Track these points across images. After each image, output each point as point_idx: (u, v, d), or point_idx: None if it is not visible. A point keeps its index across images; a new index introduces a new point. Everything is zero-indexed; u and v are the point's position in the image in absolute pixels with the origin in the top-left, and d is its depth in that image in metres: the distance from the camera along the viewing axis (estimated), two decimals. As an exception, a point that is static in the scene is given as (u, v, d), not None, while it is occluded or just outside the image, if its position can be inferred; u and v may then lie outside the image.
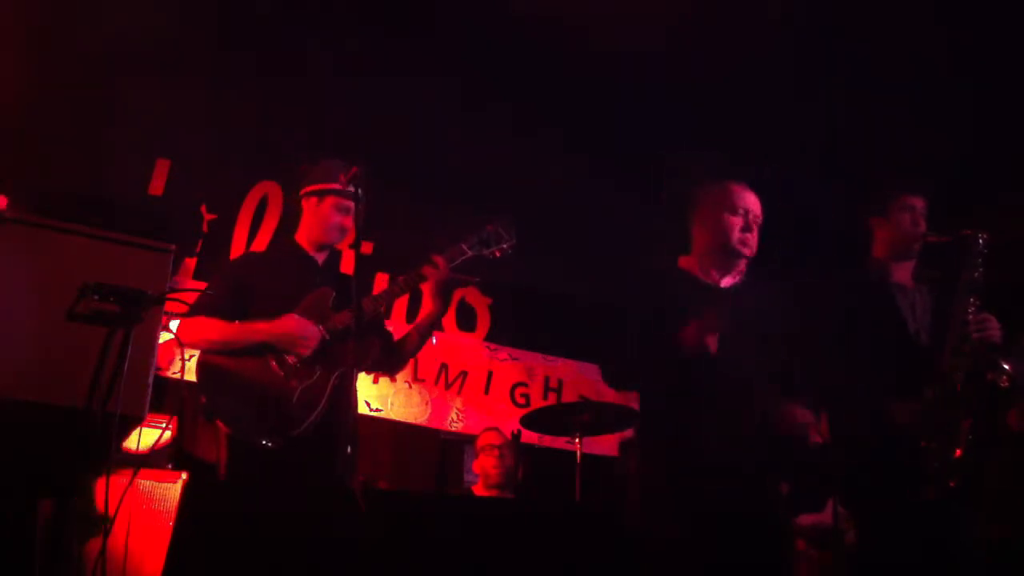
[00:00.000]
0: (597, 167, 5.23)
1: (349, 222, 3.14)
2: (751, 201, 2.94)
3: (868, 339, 2.95)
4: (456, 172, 5.21)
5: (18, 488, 2.15)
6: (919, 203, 3.16)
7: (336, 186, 3.12)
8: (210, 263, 4.96)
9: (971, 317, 2.90)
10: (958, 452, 2.77)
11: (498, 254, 3.31)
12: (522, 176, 5.10)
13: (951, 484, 2.76)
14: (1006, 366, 2.82)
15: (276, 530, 2.30)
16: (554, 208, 5.21)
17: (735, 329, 2.71)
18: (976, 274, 2.96)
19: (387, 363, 3.29)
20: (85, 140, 4.65)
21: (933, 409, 2.83)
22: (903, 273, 3.17)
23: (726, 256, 2.92)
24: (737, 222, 2.89)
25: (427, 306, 3.19)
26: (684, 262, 3.03)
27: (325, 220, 3.16)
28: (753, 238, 2.91)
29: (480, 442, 4.91)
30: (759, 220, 2.93)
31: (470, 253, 3.23)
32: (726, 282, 2.94)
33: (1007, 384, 2.81)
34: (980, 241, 2.98)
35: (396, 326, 3.58)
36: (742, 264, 2.94)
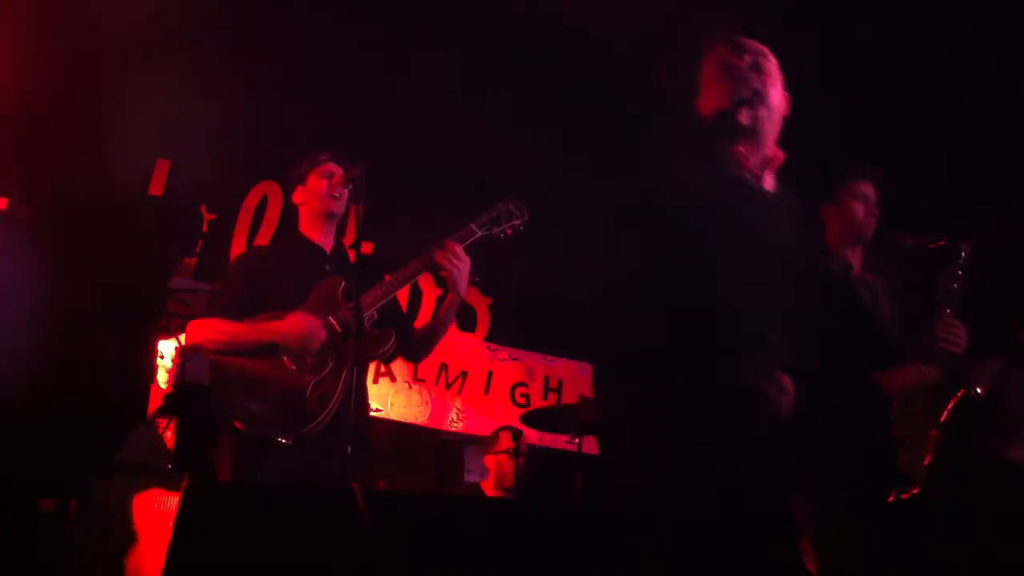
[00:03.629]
0: (598, 166, 5.22)
1: (336, 189, 3.12)
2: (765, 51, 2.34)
3: (834, 330, 2.91)
4: (456, 172, 5.21)
5: (18, 488, 2.15)
6: (865, 188, 3.17)
7: (310, 160, 3.17)
8: (210, 263, 4.96)
9: (943, 329, 2.90)
10: (927, 459, 2.78)
11: (509, 232, 3.25)
12: (522, 176, 5.10)
13: (915, 491, 2.76)
14: (978, 389, 2.84)
15: (277, 530, 2.30)
16: (554, 208, 5.20)
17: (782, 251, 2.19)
18: (955, 285, 2.96)
19: (408, 350, 3.24)
20: (85, 140, 4.65)
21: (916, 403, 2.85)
22: (855, 260, 3.17)
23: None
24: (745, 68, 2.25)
25: (444, 297, 3.17)
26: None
27: (316, 191, 3.14)
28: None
29: (502, 444, 4.87)
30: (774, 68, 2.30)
31: (480, 233, 3.18)
32: (768, 180, 2.29)
33: (976, 395, 2.83)
34: (963, 254, 2.98)
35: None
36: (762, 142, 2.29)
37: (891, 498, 2.78)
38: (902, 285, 3.08)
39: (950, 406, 2.83)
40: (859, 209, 3.13)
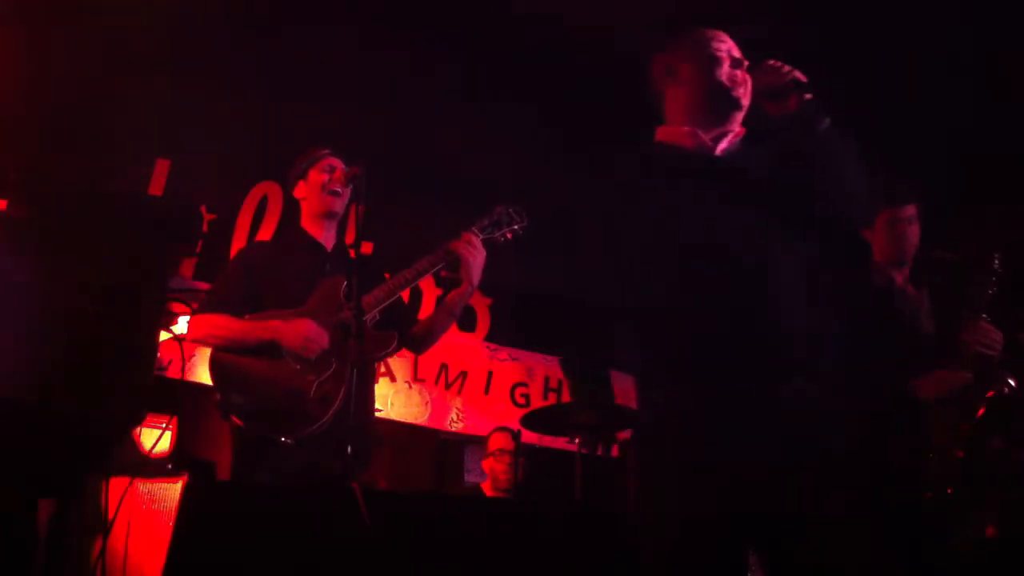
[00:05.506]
0: (598, 167, 5.21)
1: (338, 184, 3.12)
2: (731, 44, 2.34)
3: (869, 342, 2.96)
4: (456, 172, 5.21)
5: (18, 488, 2.15)
6: (908, 212, 3.21)
7: (312, 155, 3.18)
8: (210, 263, 4.97)
9: (979, 334, 2.97)
10: (959, 453, 2.81)
11: (509, 236, 3.27)
12: (522, 176, 5.10)
13: (948, 491, 2.79)
14: (1011, 381, 2.89)
15: (277, 530, 2.30)
16: (554, 208, 5.20)
17: (739, 216, 2.14)
18: (988, 291, 3.04)
19: (411, 343, 3.24)
20: (85, 140, 4.65)
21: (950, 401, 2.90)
22: (899, 274, 3.23)
23: (716, 104, 2.28)
24: (722, 59, 2.27)
25: (453, 287, 3.18)
26: (662, 133, 2.40)
27: (317, 186, 3.14)
28: (744, 78, 2.27)
29: (492, 445, 4.89)
30: (745, 64, 2.30)
31: (482, 236, 3.20)
32: (721, 146, 2.28)
33: (1008, 392, 2.88)
34: (996, 261, 3.06)
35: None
36: (737, 118, 2.31)
37: (926, 496, 2.82)
38: (942, 296, 3.14)
39: (983, 406, 2.88)
40: (905, 232, 3.20)
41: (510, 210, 3.29)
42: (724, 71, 2.27)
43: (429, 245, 3.17)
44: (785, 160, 2.23)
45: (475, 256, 3.10)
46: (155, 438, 3.33)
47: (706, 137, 2.28)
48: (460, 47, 4.78)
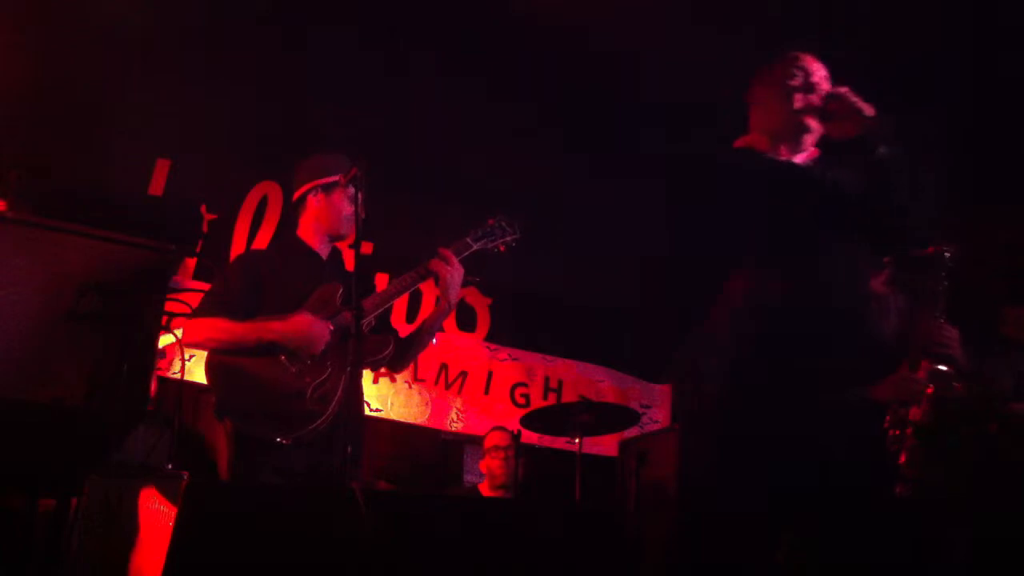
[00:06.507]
0: (597, 167, 5.23)
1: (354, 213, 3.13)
2: (815, 68, 2.50)
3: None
4: (456, 172, 5.22)
5: (18, 488, 2.16)
6: None
7: (342, 178, 3.12)
8: (210, 263, 4.97)
9: (933, 333, 2.91)
10: (902, 459, 2.79)
11: (502, 248, 3.28)
12: (522, 176, 5.11)
13: (898, 490, 2.77)
14: (955, 384, 2.87)
15: (277, 530, 2.30)
16: (554, 208, 5.21)
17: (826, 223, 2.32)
18: (940, 287, 2.97)
19: (394, 360, 3.24)
20: (85, 140, 4.65)
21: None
22: (881, 280, 3.23)
23: (788, 129, 2.47)
24: (798, 87, 2.45)
25: (438, 303, 3.16)
26: (742, 141, 2.58)
27: (339, 211, 3.14)
28: (817, 104, 2.44)
29: (487, 443, 4.92)
30: (820, 91, 2.46)
31: (475, 246, 3.20)
32: (800, 159, 2.49)
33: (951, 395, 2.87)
34: (946, 255, 2.99)
35: (396, 325, 3.58)
36: (809, 140, 2.50)
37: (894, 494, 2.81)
38: (920, 294, 3.12)
39: (924, 407, 2.85)
40: None
41: (503, 222, 3.30)
42: (798, 99, 2.44)
43: (429, 245, 3.17)
44: (847, 180, 2.38)
45: (452, 274, 3.09)
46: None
47: (786, 151, 2.47)
48: (460, 47, 4.79)
